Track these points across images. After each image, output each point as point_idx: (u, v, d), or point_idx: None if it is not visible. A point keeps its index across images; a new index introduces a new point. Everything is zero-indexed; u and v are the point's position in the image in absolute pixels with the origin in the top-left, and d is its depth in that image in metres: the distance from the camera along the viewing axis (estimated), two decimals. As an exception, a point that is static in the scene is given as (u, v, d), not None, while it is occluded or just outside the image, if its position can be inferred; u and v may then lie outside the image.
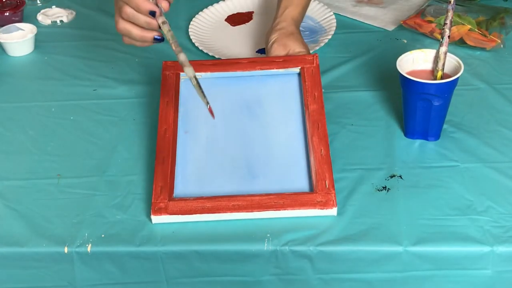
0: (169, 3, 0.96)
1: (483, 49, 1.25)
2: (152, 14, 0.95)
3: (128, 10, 0.95)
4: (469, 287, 0.91)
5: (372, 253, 0.90)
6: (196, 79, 0.93)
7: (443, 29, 1.00)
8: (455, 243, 0.89)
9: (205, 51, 1.27)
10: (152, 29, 0.97)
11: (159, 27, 0.96)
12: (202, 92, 0.94)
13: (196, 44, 1.30)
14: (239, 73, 1.11)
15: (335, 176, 0.97)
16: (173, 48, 0.95)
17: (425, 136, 1.05)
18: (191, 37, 1.32)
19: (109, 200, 0.98)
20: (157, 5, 0.95)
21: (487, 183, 0.97)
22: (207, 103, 0.94)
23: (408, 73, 1.01)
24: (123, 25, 0.97)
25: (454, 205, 0.94)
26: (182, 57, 0.94)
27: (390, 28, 1.34)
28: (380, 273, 0.91)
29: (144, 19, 0.95)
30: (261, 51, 1.28)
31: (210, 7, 1.40)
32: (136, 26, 0.96)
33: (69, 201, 0.99)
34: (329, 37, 1.29)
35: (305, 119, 1.03)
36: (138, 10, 0.95)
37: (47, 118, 1.15)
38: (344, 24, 1.35)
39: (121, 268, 0.93)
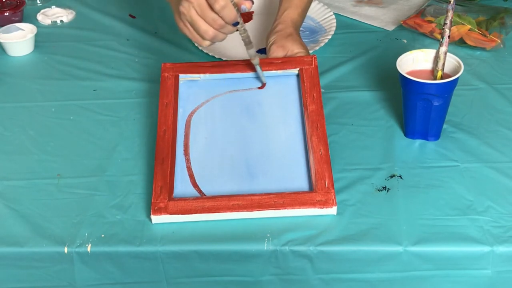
0: (252, 2, 0.99)
1: (483, 49, 1.25)
2: (235, 24, 0.98)
3: (220, 22, 0.96)
4: (469, 287, 0.91)
5: (372, 253, 0.90)
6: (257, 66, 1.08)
7: (443, 29, 1.00)
8: (455, 243, 0.89)
9: (205, 51, 1.27)
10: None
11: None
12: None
13: (196, 44, 1.30)
14: (238, 74, 1.11)
15: (335, 176, 0.97)
16: (244, 44, 1.03)
17: (425, 136, 1.05)
18: (191, 37, 1.32)
19: (109, 200, 0.98)
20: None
21: (487, 183, 0.97)
22: (264, 81, 1.10)
23: (408, 73, 1.01)
24: (214, 33, 0.98)
25: (454, 205, 0.94)
26: (251, 52, 1.05)
27: (390, 28, 1.34)
28: (380, 273, 0.91)
29: (230, 28, 0.98)
30: (261, 51, 1.28)
31: (210, 7, 1.40)
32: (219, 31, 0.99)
33: (69, 201, 0.99)
34: (329, 37, 1.29)
35: (304, 120, 1.03)
36: (229, 22, 0.96)
37: (47, 118, 1.15)
38: (344, 24, 1.35)
39: (121, 268, 0.93)
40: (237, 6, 0.96)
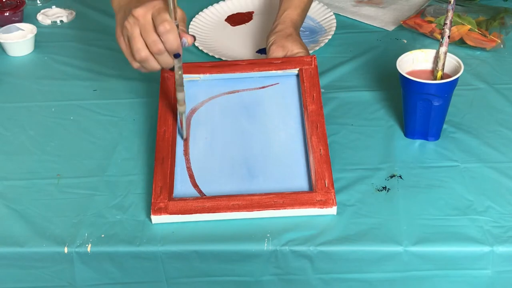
0: (194, 39, 0.94)
1: (483, 49, 1.25)
2: (177, 56, 0.93)
3: (160, 46, 0.91)
4: (469, 287, 0.91)
5: (372, 253, 0.90)
6: (182, 116, 1.01)
7: (443, 29, 1.00)
8: (455, 243, 0.89)
9: (205, 51, 1.28)
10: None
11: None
12: (186, 127, 1.03)
13: (196, 44, 1.30)
14: (238, 74, 1.11)
15: (335, 176, 0.97)
16: (175, 85, 0.97)
17: (425, 136, 1.05)
18: (191, 37, 1.32)
19: (109, 200, 0.98)
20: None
21: (487, 183, 0.97)
22: (184, 137, 1.03)
23: (408, 73, 1.01)
24: (146, 55, 0.93)
25: (454, 205, 0.94)
26: (181, 96, 0.98)
27: (390, 28, 1.34)
28: (380, 273, 0.91)
29: (166, 59, 0.93)
30: (261, 51, 1.28)
31: (210, 7, 1.40)
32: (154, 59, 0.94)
33: (69, 201, 0.99)
34: (329, 37, 1.29)
35: (304, 120, 1.03)
36: (169, 49, 0.91)
37: (47, 118, 1.15)
38: (344, 24, 1.35)
39: (121, 268, 0.93)
40: (180, 38, 0.91)
